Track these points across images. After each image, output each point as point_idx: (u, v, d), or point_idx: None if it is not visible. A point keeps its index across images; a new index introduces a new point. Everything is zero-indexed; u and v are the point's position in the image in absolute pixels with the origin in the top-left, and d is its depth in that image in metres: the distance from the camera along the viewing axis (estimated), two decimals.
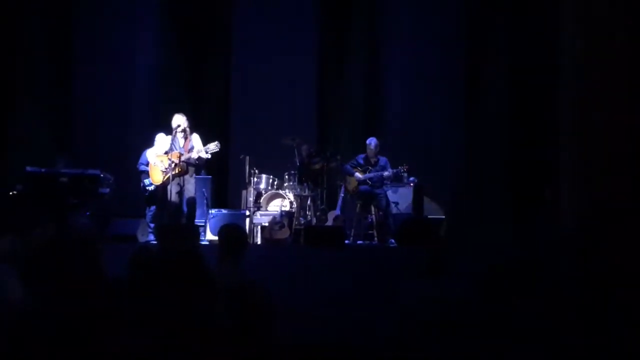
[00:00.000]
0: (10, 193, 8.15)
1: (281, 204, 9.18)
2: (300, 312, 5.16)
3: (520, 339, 2.84)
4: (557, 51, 9.11)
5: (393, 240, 8.47)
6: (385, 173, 8.91)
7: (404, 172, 9.17)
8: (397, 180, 9.32)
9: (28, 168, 8.16)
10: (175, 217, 8.00)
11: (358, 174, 8.94)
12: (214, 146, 8.00)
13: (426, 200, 9.38)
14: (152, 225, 8.41)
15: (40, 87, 10.03)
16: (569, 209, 8.10)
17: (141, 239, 8.36)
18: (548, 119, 9.27)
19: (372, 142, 9.02)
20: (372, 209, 8.95)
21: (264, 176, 9.30)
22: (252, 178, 9.26)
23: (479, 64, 10.20)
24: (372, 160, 9.00)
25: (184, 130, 8.04)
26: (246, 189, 9.38)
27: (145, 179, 8.55)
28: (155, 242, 7.95)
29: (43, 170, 8.19)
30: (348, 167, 9.10)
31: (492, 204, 9.61)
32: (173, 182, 7.91)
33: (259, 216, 9.17)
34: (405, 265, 6.33)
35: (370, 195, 8.90)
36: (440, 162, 10.17)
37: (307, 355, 3.02)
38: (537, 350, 2.84)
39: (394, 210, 9.09)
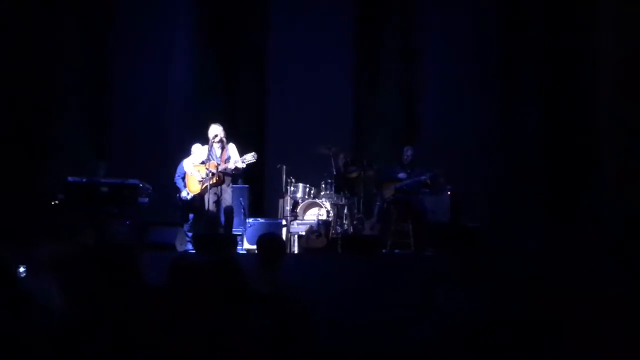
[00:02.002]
0: (53, 202, 8.30)
1: (318, 212, 9.18)
2: (337, 320, 5.15)
3: (558, 347, 2.80)
4: (595, 51, 9.05)
5: (430, 249, 8.41)
6: (422, 177, 8.88)
7: (440, 174, 9.08)
8: (434, 184, 9.23)
9: (70, 178, 8.31)
10: (213, 227, 8.06)
11: (402, 174, 8.92)
12: (250, 157, 8.04)
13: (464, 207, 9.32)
14: (189, 234, 8.48)
15: (79, 98, 10.20)
16: (610, 212, 8.01)
17: (179, 247, 8.43)
18: (587, 122, 9.18)
19: (408, 150, 9.02)
20: (409, 217, 8.90)
21: (300, 185, 9.32)
22: (288, 187, 9.28)
23: (516, 72, 10.12)
24: (409, 169, 8.97)
25: (220, 140, 8.10)
26: (283, 198, 9.40)
27: (181, 191, 8.62)
28: (193, 251, 8.01)
29: (84, 180, 8.33)
30: (389, 172, 9.09)
31: (530, 209, 9.50)
32: (210, 191, 7.97)
33: (295, 225, 9.18)
34: (442, 273, 6.28)
35: (407, 203, 8.86)
36: (477, 170, 10.09)
37: None
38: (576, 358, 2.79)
39: (432, 219, 9.03)
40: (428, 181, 8.98)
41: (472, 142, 10.27)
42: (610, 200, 8.40)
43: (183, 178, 8.57)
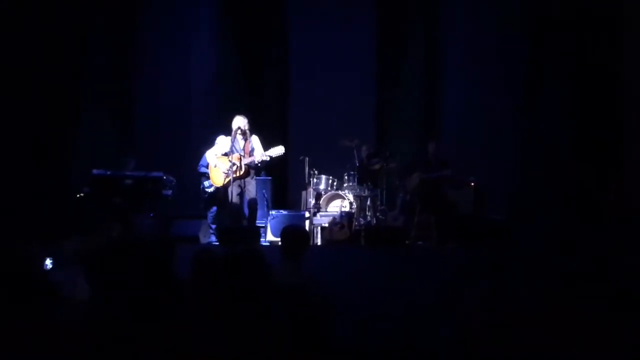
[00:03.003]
0: (78, 195, 8.39)
1: (341, 204, 9.18)
2: (359, 312, 5.16)
3: (588, 344, 2.77)
4: (622, 47, 8.95)
5: (453, 241, 8.37)
6: (445, 172, 8.83)
7: (470, 180, 9.04)
8: (457, 179, 9.18)
9: (94, 171, 8.38)
10: (236, 219, 8.08)
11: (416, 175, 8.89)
12: (278, 150, 8.05)
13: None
14: (213, 226, 8.52)
15: (104, 92, 10.28)
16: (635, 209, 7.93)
17: (203, 239, 8.49)
18: (613, 117, 9.08)
19: (431, 145, 8.97)
20: (433, 209, 8.86)
21: (323, 177, 9.33)
22: (311, 179, 9.30)
23: (541, 62, 10.02)
24: (432, 163, 8.91)
25: (244, 132, 8.11)
26: (306, 189, 9.42)
27: (204, 180, 8.67)
28: (216, 243, 8.05)
29: (108, 173, 8.40)
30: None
31: (555, 203, 9.43)
32: (234, 183, 7.99)
33: (318, 217, 9.20)
34: (465, 266, 6.26)
35: (430, 195, 8.81)
36: (501, 161, 10.04)
37: (367, 355, 3.01)
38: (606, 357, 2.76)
39: (455, 211, 8.97)
40: (450, 176, 8.92)
41: (494, 136, 10.21)
42: (635, 198, 8.34)
43: (206, 167, 8.61)
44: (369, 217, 9.15)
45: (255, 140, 8.19)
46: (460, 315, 3.05)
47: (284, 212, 9.33)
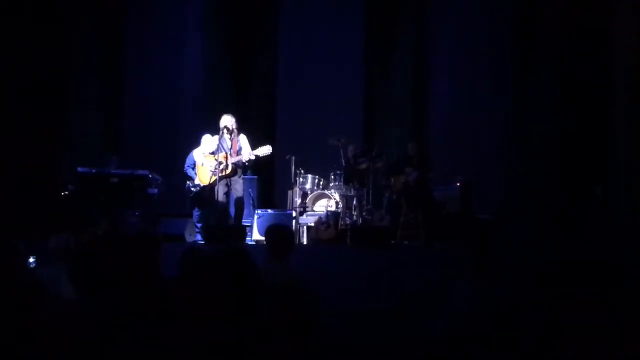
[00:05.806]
0: (62, 193, 8.34)
1: (327, 204, 9.19)
2: (345, 311, 5.15)
3: (575, 340, 2.78)
4: (610, 44, 9.00)
5: (440, 241, 8.38)
6: (430, 173, 8.83)
7: (449, 172, 9.05)
8: (444, 177, 9.19)
9: (79, 169, 8.34)
10: (223, 218, 8.06)
11: (409, 169, 8.88)
12: (265, 150, 8.03)
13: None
14: (199, 225, 8.48)
15: (91, 89, 10.24)
16: (625, 206, 7.98)
17: (189, 238, 8.46)
18: (601, 115, 9.14)
19: (410, 145, 8.98)
20: (419, 208, 8.86)
21: (309, 176, 9.32)
22: (297, 178, 9.28)
23: (528, 62, 10.06)
24: (414, 161, 8.90)
25: (231, 131, 8.08)
26: (292, 189, 9.41)
27: (192, 180, 8.63)
28: (202, 242, 8.02)
29: (94, 170, 8.36)
30: (397, 166, 9.05)
31: (543, 202, 9.46)
32: (220, 182, 7.96)
33: (305, 216, 9.19)
34: (452, 265, 6.27)
35: (416, 195, 8.82)
36: (489, 160, 10.07)
37: (353, 354, 3.01)
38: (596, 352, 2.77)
39: (441, 210, 8.99)
40: (437, 176, 8.93)
41: (484, 132, 10.24)
42: (623, 193, 8.39)
43: (193, 168, 8.57)
44: (355, 217, 9.15)
45: (243, 139, 8.15)
46: (447, 313, 3.06)
47: (270, 211, 9.31)
